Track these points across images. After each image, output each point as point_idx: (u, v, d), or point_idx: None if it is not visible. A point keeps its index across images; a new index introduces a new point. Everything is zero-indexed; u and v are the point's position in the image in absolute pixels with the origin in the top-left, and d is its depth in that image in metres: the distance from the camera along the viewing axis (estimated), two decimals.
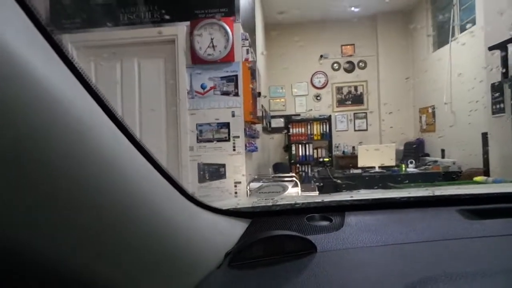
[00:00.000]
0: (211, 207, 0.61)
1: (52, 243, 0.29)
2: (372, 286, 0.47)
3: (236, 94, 2.84)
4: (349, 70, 7.07)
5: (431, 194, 0.83)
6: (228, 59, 2.80)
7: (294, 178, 2.89)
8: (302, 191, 2.54)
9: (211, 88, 2.86)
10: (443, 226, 0.67)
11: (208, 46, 2.80)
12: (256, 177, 3.33)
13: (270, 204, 0.80)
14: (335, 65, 7.06)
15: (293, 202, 0.80)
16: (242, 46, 2.86)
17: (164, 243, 0.42)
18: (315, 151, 6.44)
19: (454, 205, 0.77)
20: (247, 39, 2.91)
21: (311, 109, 6.94)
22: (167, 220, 0.43)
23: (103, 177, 0.32)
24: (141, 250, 0.39)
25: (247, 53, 2.87)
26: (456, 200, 0.81)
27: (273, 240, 0.57)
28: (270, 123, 6.63)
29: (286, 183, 2.92)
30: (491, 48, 3.14)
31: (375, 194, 0.92)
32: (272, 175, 3.97)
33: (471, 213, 0.72)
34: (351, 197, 0.86)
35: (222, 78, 2.84)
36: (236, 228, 0.67)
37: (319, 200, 0.82)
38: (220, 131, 2.86)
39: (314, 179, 5.43)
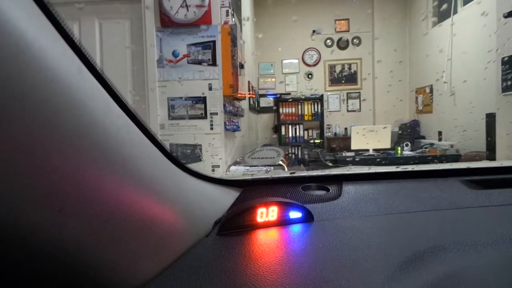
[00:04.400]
0: (201, 175, 0.58)
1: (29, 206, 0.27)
2: (376, 253, 0.44)
3: (214, 64, 2.42)
4: (342, 47, 6.67)
5: (433, 169, 0.80)
6: (204, 21, 2.37)
7: (281, 162, 2.58)
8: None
9: (184, 56, 2.44)
10: (447, 196, 0.65)
11: (181, 6, 2.36)
12: (238, 160, 2.96)
13: (263, 173, 0.77)
14: (328, 41, 6.65)
15: (288, 173, 0.77)
16: (221, 7, 2.43)
17: (150, 209, 0.40)
18: (305, 132, 6.12)
19: (457, 175, 0.74)
20: None
21: (296, 91, 6.54)
22: (154, 186, 0.41)
23: (94, 139, 0.31)
24: (126, 215, 0.36)
25: (227, 15, 2.45)
26: (459, 171, 0.78)
27: (266, 208, 0.53)
28: (258, 102, 6.26)
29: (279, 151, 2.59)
30: (507, 15, 2.77)
31: (374, 168, 0.88)
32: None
33: (476, 183, 0.70)
34: (350, 168, 0.85)
35: (197, 44, 2.42)
36: (227, 197, 0.64)
37: (316, 172, 0.78)
38: (195, 107, 2.46)
39: (304, 162, 5.16)
